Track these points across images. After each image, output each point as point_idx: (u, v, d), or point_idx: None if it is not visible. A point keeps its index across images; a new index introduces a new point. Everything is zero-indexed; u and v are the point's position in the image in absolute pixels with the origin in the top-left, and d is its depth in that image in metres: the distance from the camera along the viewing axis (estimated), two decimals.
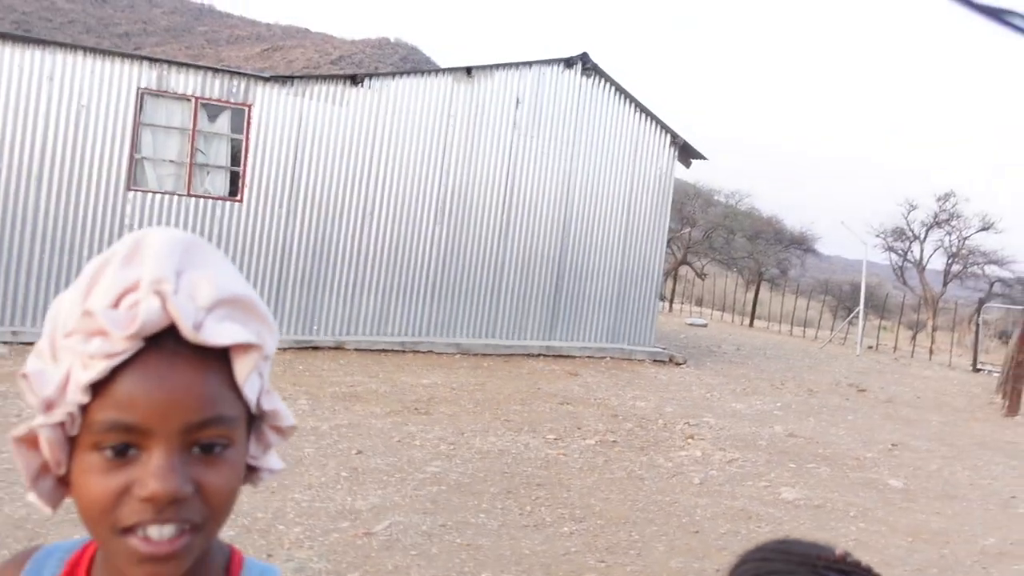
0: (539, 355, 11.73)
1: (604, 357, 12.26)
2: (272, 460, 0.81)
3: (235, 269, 0.79)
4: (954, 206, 35.16)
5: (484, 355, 10.99)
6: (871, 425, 9.57)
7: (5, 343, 8.67)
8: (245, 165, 10.06)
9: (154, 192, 9.54)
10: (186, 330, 0.69)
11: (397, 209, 10.93)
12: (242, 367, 0.73)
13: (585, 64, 12.31)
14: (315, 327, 10.48)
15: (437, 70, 11.64)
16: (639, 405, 9.01)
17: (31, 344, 8.80)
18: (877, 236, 35.66)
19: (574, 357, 11.96)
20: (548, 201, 12.16)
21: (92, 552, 0.83)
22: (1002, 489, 7.13)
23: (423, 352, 10.83)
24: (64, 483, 0.73)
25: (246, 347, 0.72)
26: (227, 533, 4.12)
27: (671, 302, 26.46)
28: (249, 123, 10.05)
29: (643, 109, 12.85)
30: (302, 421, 6.83)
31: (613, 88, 12.62)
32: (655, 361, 12.61)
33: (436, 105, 11.20)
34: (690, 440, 7.54)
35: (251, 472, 0.80)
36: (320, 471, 5.42)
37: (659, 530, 4.93)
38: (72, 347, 0.69)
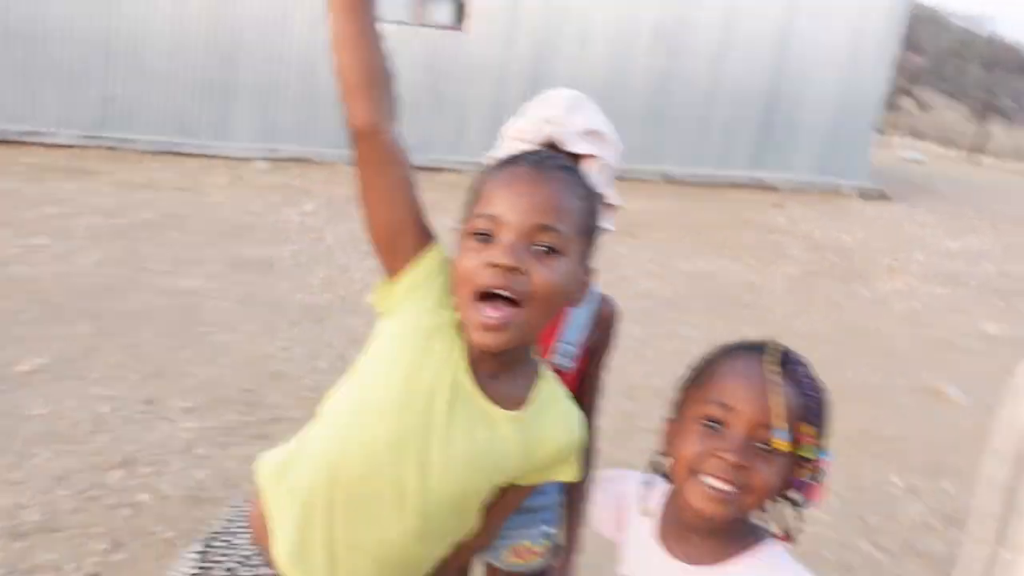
0: (744, 186, 11.81)
1: (811, 190, 12.16)
2: (608, 224, 1.49)
3: (600, 114, 1.52)
4: None
5: (689, 184, 11.24)
6: None
7: (266, 159, 9.86)
8: None
9: (386, 21, 10.18)
10: (563, 143, 1.45)
11: (612, 39, 11.05)
12: (592, 167, 1.45)
13: None
14: None
15: None
16: (844, 238, 9.08)
17: (288, 160, 9.96)
18: None
19: (779, 189, 11.95)
20: (765, 22, 11.81)
21: None
22: None
23: (628, 180, 11.20)
24: None
25: (591, 156, 1.45)
26: None
27: (886, 134, 25.02)
28: None
29: None
30: None
31: None
32: (864, 196, 12.36)
33: None
34: (895, 273, 7.65)
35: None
36: None
37: (857, 350, 5.28)
38: (513, 142, 1.47)
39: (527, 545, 1.65)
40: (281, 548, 1.15)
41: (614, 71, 11.11)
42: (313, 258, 6.21)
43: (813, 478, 1.08)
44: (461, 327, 1.12)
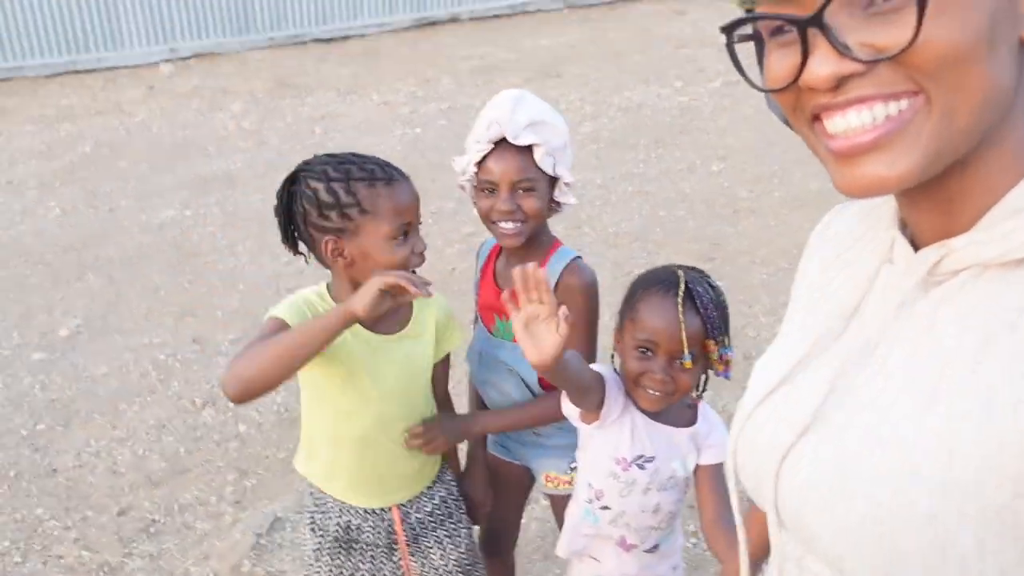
0: None
1: None
2: (569, 198, 1.79)
3: (543, 105, 1.73)
4: None
5: (590, 6, 11.34)
6: None
7: (167, 61, 9.59)
8: None
9: None
10: (509, 137, 1.66)
11: None
12: (537, 154, 1.68)
13: None
14: (428, 1, 10.92)
15: None
16: None
17: (188, 59, 9.69)
18: None
19: None
20: None
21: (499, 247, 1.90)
22: None
23: (531, 12, 11.25)
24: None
25: (536, 145, 1.67)
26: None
27: None
28: None
29: None
30: (450, 100, 7.72)
31: None
32: None
33: None
34: None
35: (556, 204, 1.78)
36: None
37: (796, 158, 5.79)
38: (471, 147, 1.72)
39: (553, 475, 1.97)
40: (343, 489, 1.76)
41: None
42: (268, 164, 6.35)
43: (723, 363, 1.55)
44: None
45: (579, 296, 1.74)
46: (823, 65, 0.62)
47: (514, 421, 1.89)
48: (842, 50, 0.61)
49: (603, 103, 7.24)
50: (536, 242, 1.77)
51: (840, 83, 0.63)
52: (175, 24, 9.78)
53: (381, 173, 1.56)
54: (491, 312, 1.87)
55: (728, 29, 0.70)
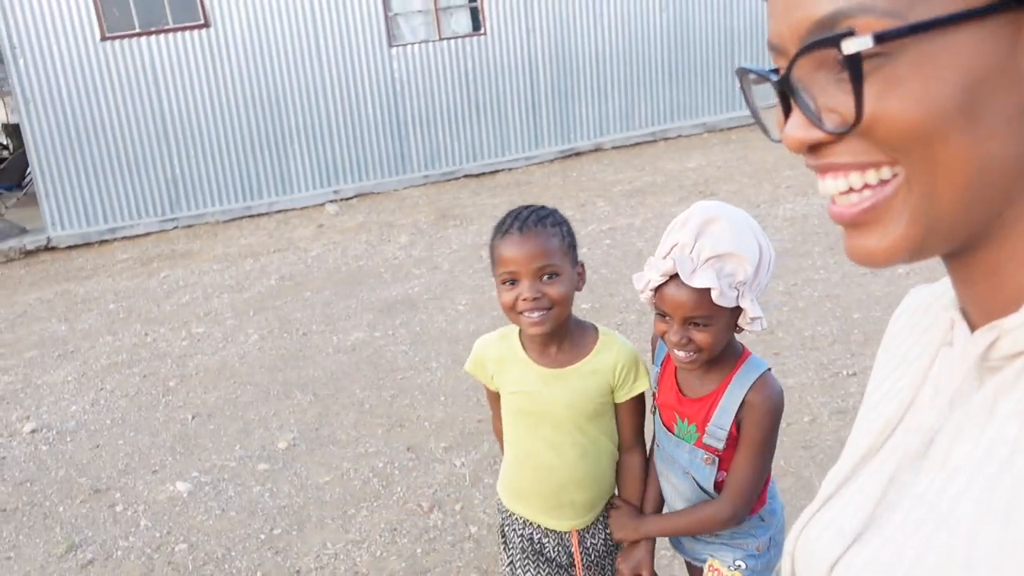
0: None
1: None
2: (756, 326, 1.61)
3: (736, 227, 1.55)
4: None
5: (730, 129, 11.56)
6: None
7: (332, 201, 10.25)
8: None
9: (411, 44, 10.52)
10: (683, 277, 1.54)
11: (624, 7, 11.34)
12: (713, 294, 1.53)
13: None
14: (572, 134, 11.39)
15: None
16: None
17: (351, 199, 10.34)
18: None
19: None
20: None
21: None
22: None
23: (672, 138, 11.55)
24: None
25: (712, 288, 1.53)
26: None
27: None
28: None
29: None
30: (609, 221, 7.90)
31: None
32: None
33: None
34: None
35: (739, 330, 1.64)
36: None
37: None
38: (649, 268, 1.62)
39: (716, 565, 1.82)
40: (528, 510, 1.97)
41: (633, 37, 11.41)
42: (445, 287, 6.61)
43: None
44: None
45: (765, 417, 1.67)
46: (796, 129, 0.59)
47: (680, 528, 1.84)
48: (811, 118, 0.57)
49: (766, 215, 7.26)
50: (722, 354, 1.69)
51: (814, 147, 0.59)
52: (338, 168, 10.49)
53: (507, 225, 1.75)
54: (671, 412, 1.79)
55: (741, 73, 0.67)
